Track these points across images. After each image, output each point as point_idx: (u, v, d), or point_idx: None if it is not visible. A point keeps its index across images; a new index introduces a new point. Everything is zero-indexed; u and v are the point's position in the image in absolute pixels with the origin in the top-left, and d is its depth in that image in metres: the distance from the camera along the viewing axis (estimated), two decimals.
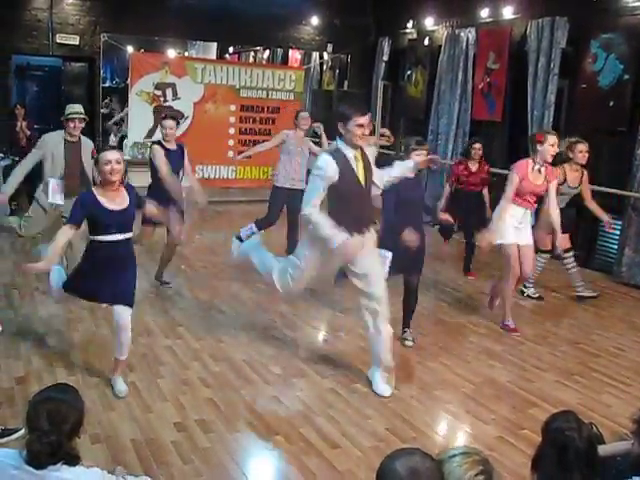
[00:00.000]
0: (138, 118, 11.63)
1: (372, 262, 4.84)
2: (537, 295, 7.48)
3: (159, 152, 6.67)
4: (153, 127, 11.50)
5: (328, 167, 4.57)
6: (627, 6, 8.38)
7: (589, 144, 6.98)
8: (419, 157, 5.45)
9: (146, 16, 11.44)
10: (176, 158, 6.80)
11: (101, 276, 4.53)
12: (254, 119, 12.44)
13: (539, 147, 5.93)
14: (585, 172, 6.99)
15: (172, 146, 6.83)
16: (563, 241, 6.96)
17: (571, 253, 7.29)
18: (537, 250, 7.00)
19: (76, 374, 4.89)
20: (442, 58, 11.28)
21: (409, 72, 12.30)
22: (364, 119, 4.57)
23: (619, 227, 8.47)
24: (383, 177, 4.94)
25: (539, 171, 5.99)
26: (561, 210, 6.82)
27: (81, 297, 4.92)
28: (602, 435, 3.89)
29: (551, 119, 9.32)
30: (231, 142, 12.25)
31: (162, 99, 11.74)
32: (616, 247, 8.55)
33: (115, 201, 4.49)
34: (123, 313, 4.58)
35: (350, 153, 4.63)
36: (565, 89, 9.45)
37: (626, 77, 8.36)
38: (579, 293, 7.43)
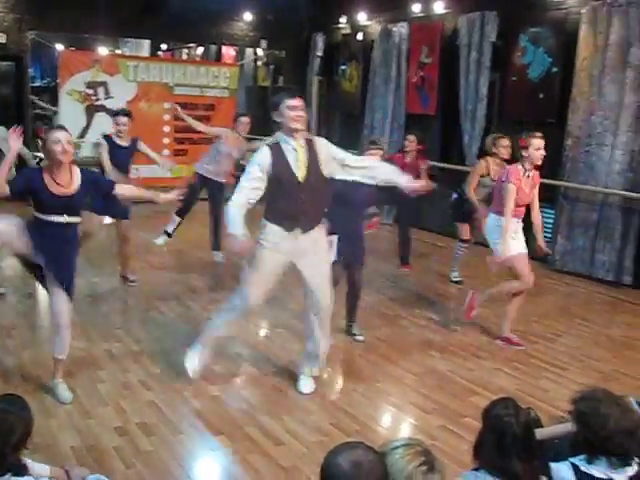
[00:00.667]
0: (70, 118, 11.35)
1: (314, 261, 4.68)
2: (458, 279, 7.81)
3: (104, 147, 6.75)
4: (86, 126, 11.29)
5: (258, 155, 4.50)
6: (554, 1, 8.59)
7: (520, 135, 7.08)
8: (374, 157, 5.51)
9: (75, 13, 11.16)
10: (126, 155, 6.80)
11: (46, 252, 4.37)
12: (189, 116, 12.27)
13: (524, 153, 5.68)
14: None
15: (124, 142, 6.86)
16: (465, 231, 7.52)
17: (467, 244, 7.66)
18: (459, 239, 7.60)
19: (12, 382, 4.77)
20: (376, 53, 11.36)
21: (343, 67, 12.36)
22: (295, 101, 4.45)
23: (552, 216, 8.68)
24: (363, 170, 4.72)
25: (528, 177, 5.72)
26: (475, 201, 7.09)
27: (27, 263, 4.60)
28: (540, 419, 3.97)
29: (483, 112, 9.50)
30: (166, 140, 12.09)
31: (94, 98, 11.50)
32: (550, 236, 8.75)
33: (62, 185, 4.31)
34: (64, 304, 4.46)
35: (289, 145, 4.47)
36: (496, 82, 9.63)
37: (554, 70, 8.57)
38: (454, 278, 7.84)
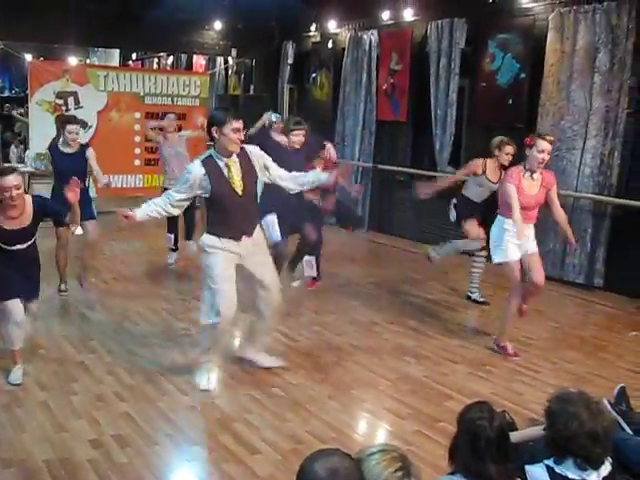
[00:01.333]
0: (40, 128, 11.25)
1: (260, 260, 4.96)
2: (482, 299, 7.42)
3: (49, 156, 7.13)
4: (56, 137, 11.16)
5: (194, 171, 4.63)
6: (521, 7, 8.68)
7: (490, 140, 7.14)
8: (297, 137, 6.00)
9: (44, 23, 11.05)
10: (73, 162, 6.78)
11: (13, 275, 4.75)
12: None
13: (527, 152, 5.59)
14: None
15: (70, 150, 6.91)
16: (473, 228, 7.15)
17: (483, 253, 7.16)
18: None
19: None
20: (346, 60, 11.40)
21: (314, 75, 12.38)
22: (239, 123, 4.59)
23: None
24: (292, 177, 4.98)
25: (532, 178, 5.59)
26: (477, 204, 7.04)
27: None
28: (515, 422, 4.02)
29: (454, 117, 9.56)
30: (137, 150, 12.02)
31: (64, 108, 11.39)
32: None
33: (14, 220, 4.62)
34: (34, 306, 5.01)
35: (222, 161, 4.65)
36: (466, 88, 9.71)
37: (522, 75, 8.65)
38: (472, 295, 7.44)
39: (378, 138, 11.02)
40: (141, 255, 8.65)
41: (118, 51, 18.45)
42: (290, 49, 12.85)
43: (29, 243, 4.81)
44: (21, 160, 12.31)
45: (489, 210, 6.96)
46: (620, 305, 7.46)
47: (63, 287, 7.10)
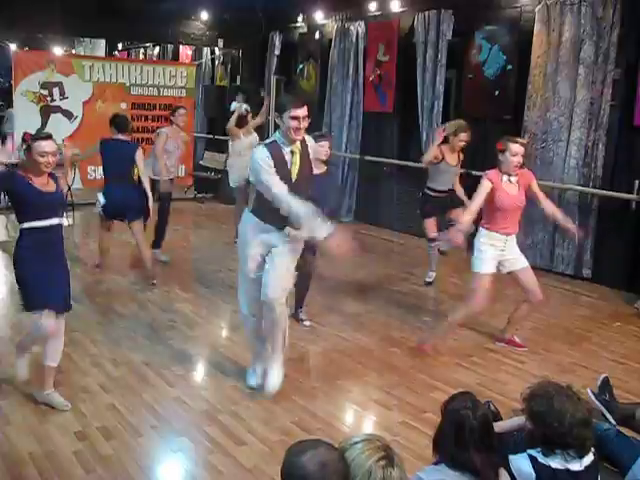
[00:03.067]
0: (24, 119, 11.18)
1: (278, 259, 4.62)
2: (430, 280, 7.74)
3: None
4: (41, 127, 11.10)
5: (261, 155, 4.43)
6: None
7: (477, 132, 7.18)
8: (323, 148, 5.64)
9: (29, 12, 10.94)
10: None
11: (46, 275, 4.29)
12: (146, 117, 12.21)
13: (500, 157, 5.44)
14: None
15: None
16: (430, 227, 7.37)
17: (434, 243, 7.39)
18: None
19: None
20: (333, 51, 11.38)
21: (301, 66, 12.35)
22: (299, 111, 4.39)
23: None
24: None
25: (510, 181, 5.45)
26: (440, 198, 7.12)
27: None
28: (499, 412, 4.04)
29: (440, 109, 9.57)
30: None
31: (49, 99, 11.33)
32: None
33: (45, 186, 4.31)
34: (63, 319, 4.51)
35: (286, 147, 4.47)
36: (453, 79, 9.72)
37: (509, 67, 8.67)
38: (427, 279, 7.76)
39: (365, 129, 11.01)
40: (125, 247, 8.60)
41: (104, 41, 18.32)
42: (277, 40, 12.80)
43: (61, 220, 4.41)
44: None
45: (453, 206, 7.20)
46: (606, 296, 7.52)
47: None
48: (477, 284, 5.50)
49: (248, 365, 5.15)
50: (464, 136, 7.08)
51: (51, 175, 4.41)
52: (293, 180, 4.51)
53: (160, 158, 7.99)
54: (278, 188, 4.37)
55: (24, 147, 4.35)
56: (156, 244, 8.21)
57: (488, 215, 5.50)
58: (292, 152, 4.50)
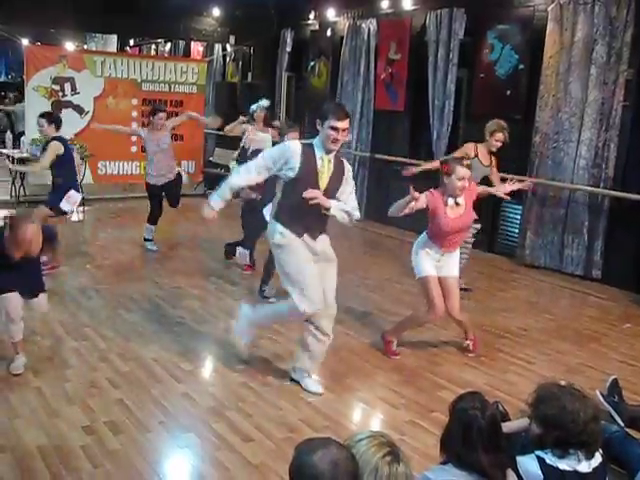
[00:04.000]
0: (36, 114, 11.18)
1: (326, 265, 4.75)
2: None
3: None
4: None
5: (290, 149, 4.50)
6: None
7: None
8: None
9: (42, 7, 10.97)
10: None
11: (12, 274, 4.65)
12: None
13: (446, 179, 5.19)
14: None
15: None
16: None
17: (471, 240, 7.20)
18: None
19: None
20: (344, 49, 11.36)
21: (312, 63, 12.34)
22: (340, 123, 4.41)
23: (519, 212, 8.78)
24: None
25: (456, 203, 5.24)
26: None
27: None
28: (507, 412, 4.03)
29: (452, 108, 9.55)
30: (134, 137, 11.97)
31: (61, 94, 11.36)
32: (517, 231, 8.84)
33: None
34: (43, 300, 5.02)
35: (319, 153, 4.50)
36: (464, 78, 9.69)
37: (521, 67, 8.64)
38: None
39: (375, 128, 11.00)
40: (135, 242, 8.63)
41: (116, 37, 18.37)
42: (288, 37, 12.80)
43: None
44: (16, 146, 12.26)
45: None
46: (615, 297, 7.48)
47: None
48: (424, 290, 5.36)
49: (256, 362, 5.17)
50: (500, 136, 6.97)
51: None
52: (322, 190, 4.52)
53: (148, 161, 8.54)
54: (243, 177, 4.66)
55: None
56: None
57: (431, 228, 5.34)
58: (322, 159, 4.51)
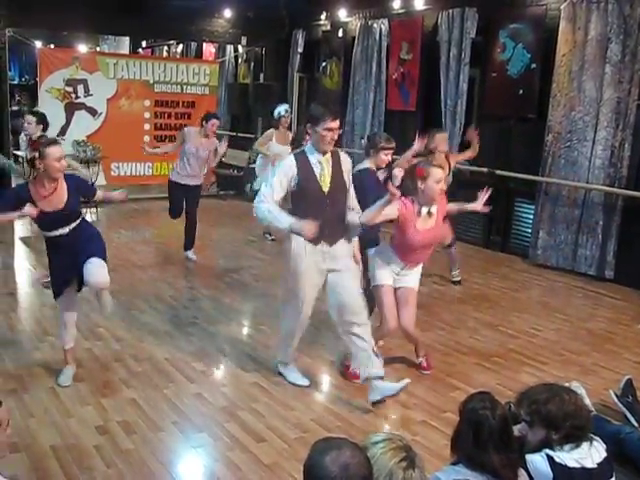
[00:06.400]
0: (49, 116, 11.21)
1: (343, 274, 4.63)
2: (458, 279, 7.67)
3: None
4: (65, 124, 11.23)
5: (286, 166, 4.54)
6: None
7: (501, 131, 7.09)
8: (387, 157, 5.47)
9: (54, 10, 11.00)
10: None
11: (68, 259, 4.58)
12: (169, 114, 12.28)
13: (420, 185, 4.65)
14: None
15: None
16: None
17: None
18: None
19: None
20: (356, 49, 11.36)
21: (324, 64, 12.34)
22: (334, 123, 4.44)
23: (532, 211, 8.74)
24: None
25: (429, 213, 4.74)
26: None
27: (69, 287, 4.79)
28: (520, 414, 4.01)
29: (464, 107, 9.52)
30: (147, 138, 12.04)
31: (74, 96, 11.43)
32: (530, 231, 8.81)
33: (48, 196, 4.47)
34: (100, 269, 4.60)
35: (314, 158, 4.52)
36: (476, 78, 9.66)
37: (533, 66, 8.60)
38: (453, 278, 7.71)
39: (387, 128, 10.95)
40: (149, 243, 8.67)
41: (128, 39, 18.43)
42: (300, 38, 12.80)
43: (73, 226, 4.60)
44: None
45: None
46: (629, 297, 7.44)
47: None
48: (378, 300, 5.00)
49: (268, 362, 5.18)
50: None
51: (69, 179, 4.60)
52: (325, 192, 4.53)
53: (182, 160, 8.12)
54: (266, 204, 4.49)
55: (34, 155, 4.44)
56: (187, 244, 8.35)
57: (397, 239, 4.87)
58: (320, 163, 4.53)
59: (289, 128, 9.31)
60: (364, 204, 4.66)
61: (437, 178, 4.62)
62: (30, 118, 7.23)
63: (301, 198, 4.55)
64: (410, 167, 5.34)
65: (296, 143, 7.70)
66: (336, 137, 4.53)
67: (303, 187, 4.51)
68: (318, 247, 4.55)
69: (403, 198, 4.63)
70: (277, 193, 4.52)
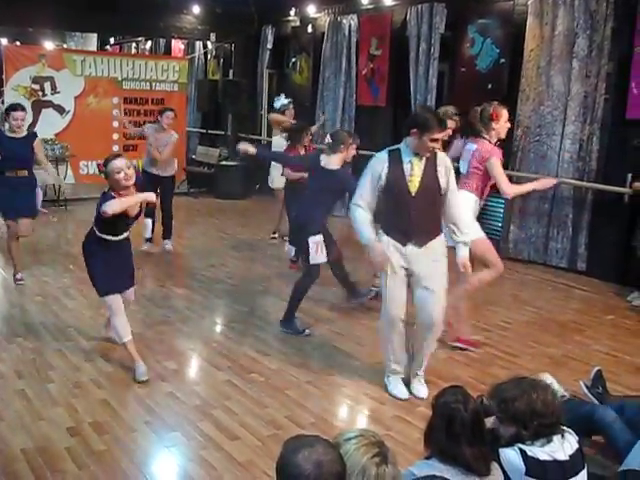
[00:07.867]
0: None
1: (432, 276, 4.60)
2: None
3: None
4: (32, 122, 11.06)
5: (377, 162, 4.47)
6: None
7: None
8: (354, 151, 5.83)
9: (19, 6, 10.82)
10: (19, 146, 6.73)
11: (116, 268, 4.95)
12: (138, 111, 12.15)
13: (494, 125, 5.34)
14: None
15: (16, 135, 6.76)
16: None
17: None
18: None
19: None
20: (326, 45, 11.35)
21: (294, 60, 12.32)
22: (441, 134, 4.40)
23: (503, 205, 8.79)
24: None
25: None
26: None
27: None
28: (493, 406, 4.03)
29: (433, 102, 9.55)
30: (116, 136, 11.93)
31: (40, 93, 11.26)
32: (501, 225, 8.86)
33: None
34: (131, 294, 5.25)
35: (407, 157, 4.42)
36: (446, 73, 9.70)
37: (502, 61, 8.66)
38: None
39: (358, 123, 10.99)
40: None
41: (96, 35, 18.25)
42: (269, 34, 12.77)
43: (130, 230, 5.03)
44: None
45: None
46: (599, 289, 7.52)
47: (19, 276, 6.96)
48: (488, 246, 5.52)
49: (240, 360, 5.16)
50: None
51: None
52: (412, 194, 4.43)
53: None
54: (358, 209, 4.51)
55: (102, 175, 4.85)
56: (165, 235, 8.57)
57: (484, 179, 5.44)
58: (411, 162, 4.42)
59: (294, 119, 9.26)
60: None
61: (507, 118, 5.36)
62: (21, 114, 6.90)
63: (387, 197, 4.48)
64: (482, 109, 5.52)
65: (291, 139, 7.79)
66: (438, 147, 4.45)
67: (390, 186, 4.42)
68: (402, 248, 4.51)
69: (484, 146, 5.29)
70: (367, 193, 4.47)
